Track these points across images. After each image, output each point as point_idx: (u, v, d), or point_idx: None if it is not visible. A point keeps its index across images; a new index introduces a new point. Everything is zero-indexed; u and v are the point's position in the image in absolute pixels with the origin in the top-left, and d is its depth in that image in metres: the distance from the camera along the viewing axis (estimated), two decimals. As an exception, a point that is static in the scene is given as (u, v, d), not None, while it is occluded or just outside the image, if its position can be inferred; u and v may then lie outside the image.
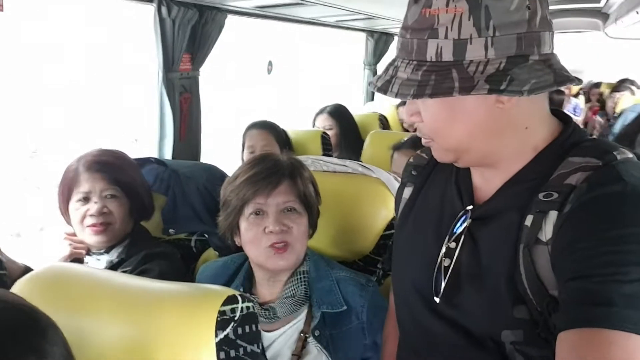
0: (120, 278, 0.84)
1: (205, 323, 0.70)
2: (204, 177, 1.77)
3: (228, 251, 1.60)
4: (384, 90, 0.83)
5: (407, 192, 1.08)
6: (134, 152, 1.76)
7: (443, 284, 0.88)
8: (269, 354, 1.28)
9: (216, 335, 0.70)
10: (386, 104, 4.09)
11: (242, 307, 0.75)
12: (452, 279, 0.88)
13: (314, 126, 3.22)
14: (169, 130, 2.26)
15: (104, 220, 1.49)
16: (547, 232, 0.78)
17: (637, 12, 3.83)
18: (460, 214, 0.91)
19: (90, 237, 1.51)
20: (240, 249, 1.39)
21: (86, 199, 1.51)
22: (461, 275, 0.87)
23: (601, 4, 4.53)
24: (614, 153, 0.79)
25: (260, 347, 0.78)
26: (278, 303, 1.30)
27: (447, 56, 0.77)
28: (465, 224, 0.88)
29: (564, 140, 0.85)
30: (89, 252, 1.57)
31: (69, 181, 1.53)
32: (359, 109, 4.45)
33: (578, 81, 0.82)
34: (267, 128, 2.52)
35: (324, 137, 2.77)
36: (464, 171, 0.96)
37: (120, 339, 0.72)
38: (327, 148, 2.76)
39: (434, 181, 1.03)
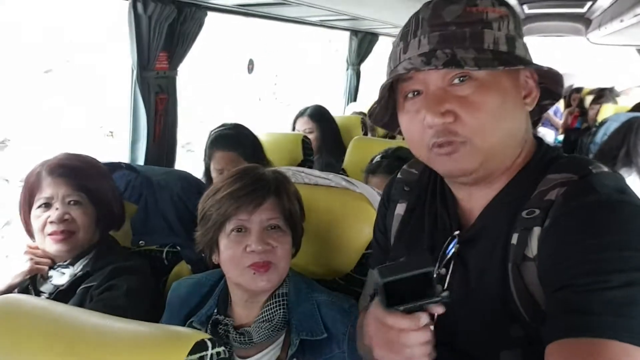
0: (74, 315, 0.75)
1: (168, 377, 0.61)
2: (179, 186, 1.68)
3: (201, 264, 1.52)
4: (455, 63, 0.79)
5: (401, 208, 1.07)
6: (109, 147, 1.66)
7: None
8: (243, 382, 1.21)
9: (180, 390, 0.61)
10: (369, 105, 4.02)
11: (211, 355, 0.67)
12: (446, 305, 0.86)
13: (293, 129, 3.14)
14: (143, 133, 2.15)
15: (66, 227, 1.40)
16: (533, 248, 0.79)
17: (622, 20, 3.84)
18: (449, 240, 0.91)
19: (51, 246, 1.41)
20: (216, 267, 1.31)
21: (48, 205, 1.41)
22: (454, 300, 0.83)
23: (584, 10, 4.54)
24: (590, 167, 0.82)
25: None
26: (254, 327, 1.22)
27: (503, 47, 0.82)
28: (453, 249, 0.88)
29: (541, 157, 0.89)
30: (53, 266, 1.47)
31: (31, 186, 1.43)
32: (340, 111, 4.40)
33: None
34: (233, 147, 2.07)
35: (305, 142, 2.68)
36: (450, 193, 0.96)
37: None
38: (308, 153, 2.68)
39: (427, 198, 1.01)
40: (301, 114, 3.14)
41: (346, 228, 1.45)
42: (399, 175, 1.12)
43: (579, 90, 7.45)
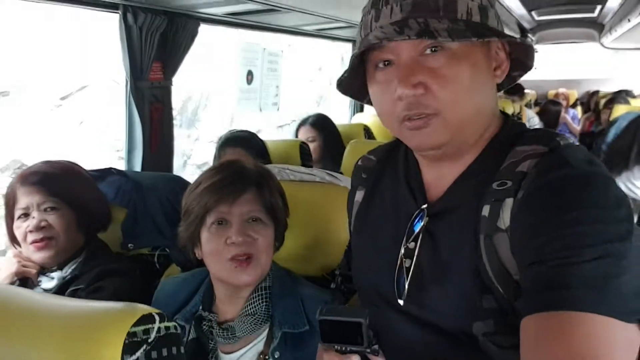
0: (20, 295, 0.75)
1: (110, 346, 0.61)
2: (167, 189, 1.69)
3: (191, 266, 1.51)
4: (428, 34, 0.77)
5: (359, 195, 1.07)
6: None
7: (406, 285, 0.88)
8: (227, 377, 1.20)
9: (122, 360, 0.61)
10: (373, 116, 4.03)
11: (158, 328, 0.66)
12: (415, 279, 0.87)
13: (296, 137, 3.14)
14: (139, 142, 2.17)
15: (45, 235, 1.40)
16: (505, 219, 0.79)
17: (629, 20, 3.81)
18: (416, 213, 0.91)
19: (34, 255, 1.42)
20: (201, 264, 1.30)
21: (26, 215, 1.42)
22: (424, 274, 0.87)
23: (595, 14, 4.51)
24: (557, 139, 0.82)
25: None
26: (237, 322, 1.21)
27: (476, 17, 0.81)
28: (422, 223, 0.88)
29: (508, 130, 0.89)
30: (42, 271, 1.48)
31: (9, 199, 1.45)
32: (344, 120, 4.40)
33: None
34: (242, 145, 2.29)
35: (303, 147, 2.69)
36: (414, 170, 0.96)
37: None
38: (306, 158, 2.68)
39: (385, 183, 1.02)
40: (303, 123, 3.15)
41: (331, 222, 1.45)
42: (359, 162, 1.11)
43: (595, 93, 7.39)
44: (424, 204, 0.90)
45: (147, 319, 0.66)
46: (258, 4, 2.13)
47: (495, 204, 0.80)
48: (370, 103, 0.93)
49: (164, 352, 0.66)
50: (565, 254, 0.69)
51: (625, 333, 0.66)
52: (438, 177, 0.92)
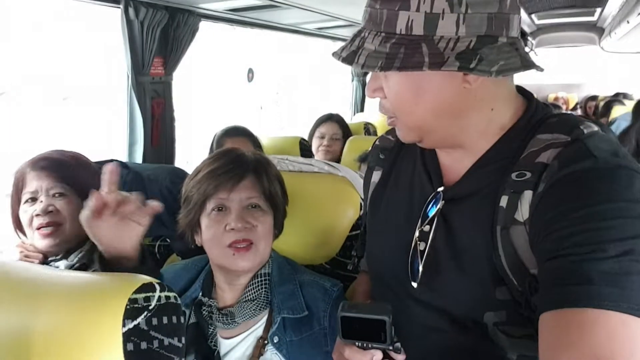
0: (22, 268, 0.77)
1: (111, 311, 0.63)
2: (168, 179, 1.70)
3: (191, 255, 1.52)
4: (349, 61, 0.80)
5: (376, 176, 1.07)
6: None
7: (420, 269, 0.86)
8: (227, 361, 1.21)
9: (124, 325, 0.62)
10: (376, 115, 4.05)
11: (159, 297, 0.68)
12: (429, 262, 0.86)
13: (312, 133, 3.06)
14: (140, 136, 2.19)
15: (52, 219, 1.40)
16: (523, 212, 0.77)
17: (628, 22, 3.83)
18: (432, 196, 0.90)
19: (39, 242, 1.42)
20: (201, 252, 1.32)
21: (34, 200, 1.43)
22: (438, 258, 0.86)
23: (595, 18, 4.53)
24: (581, 127, 0.79)
25: (183, 341, 0.70)
26: (237, 307, 1.23)
27: (418, 30, 0.76)
28: (438, 206, 0.87)
29: (530, 117, 0.85)
30: (46, 261, 1.49)
31: (17, 183, 1.45)
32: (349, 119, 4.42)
33: (541, 69, 0.81)
34: (243, 134, 2.37)
35: (302, 143, 2.70)
36: (431, 152, 0.94)
37: (19, 329, 0.65)
38: (306, 154, 2.69)
39: (402, 163, 1.02)
40: (328, 119, 3.09)
41: (331, 211, 1.46)
42: (376, 142, 1.12)
43: (594, 98, 7.42)
44: (440, 187, 0.89)
45: (148, 287, 0.68)
46: (258, -1, 2.16)
47: (513, 195, 0.78)
48: None
49: (164, 319, 0.68)
50: (587, 249, 0.67)
51: None
52: (454, 161, 0.90)
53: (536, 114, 0.86)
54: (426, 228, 0.88)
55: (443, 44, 0.75)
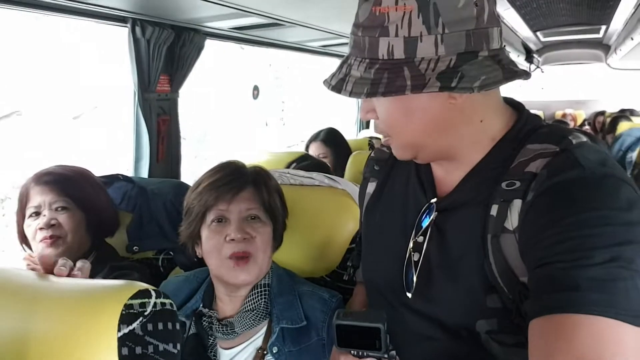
0: (19, 274, 0.79)
1: (107, 316, 0.65)
2: (172, 194, 1.73)
3: (194, 268, 1.54)
4: (337, 89, 0.83)
5: (371, 187, 1.09)
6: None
7: (414, 279, 0.88)
8: (227, 371, 1.22)
9: (119, 330, 0.64)
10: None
11: (155, 303, 0.70)
12: (423, 272, 0.88)
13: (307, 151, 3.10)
14: (145, 152, 2.23)
15: (54, 232, 1.44)
16: (513, 220, 0.78)
17: (632, 39, 3.84)
18: (425, 207, 0.91)
19: (43, 252, 1.45)
20: (202, 264, 1.34)
21: (37, 214, 1.46)
22: (432, 268, 0.88)
23: (600, 35, 4.54)
24: (570, 138, 0.80)
25: (178, 347, 0.72)
26: (237, 317, 1.24)
27: (399, 54, 0.78)
28: (431, 217, 0.89)
29: (520, 128, 0.87)
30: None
31: (22, 198, 1.49)
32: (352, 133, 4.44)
33: (526, 75, 0.82)
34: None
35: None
36: (425, 164, 0.96)
37: (16, 333, 0.67)
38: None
39: (397, 175, 1.04)
40: (314, 138, 3.11)
41: (331, 224, 1.47)
42: (372, 155, 1.14)
43: (602, 113, 7.41)
44: (434, 199, 0.91)
45: (143, 293, 0.70)
46: (262, 17, 2.20)
47: (503, 204, 0.80)
48: None
49: (160, 325, 0.70)
50: (574, 256, 0.68)
51: (636, 337, 0.64)
52: (447, 173, 0.92)
53: (526, 124, 0.87)
54: (420, 239, 0.89)
55: (424, 65, 0.77)
